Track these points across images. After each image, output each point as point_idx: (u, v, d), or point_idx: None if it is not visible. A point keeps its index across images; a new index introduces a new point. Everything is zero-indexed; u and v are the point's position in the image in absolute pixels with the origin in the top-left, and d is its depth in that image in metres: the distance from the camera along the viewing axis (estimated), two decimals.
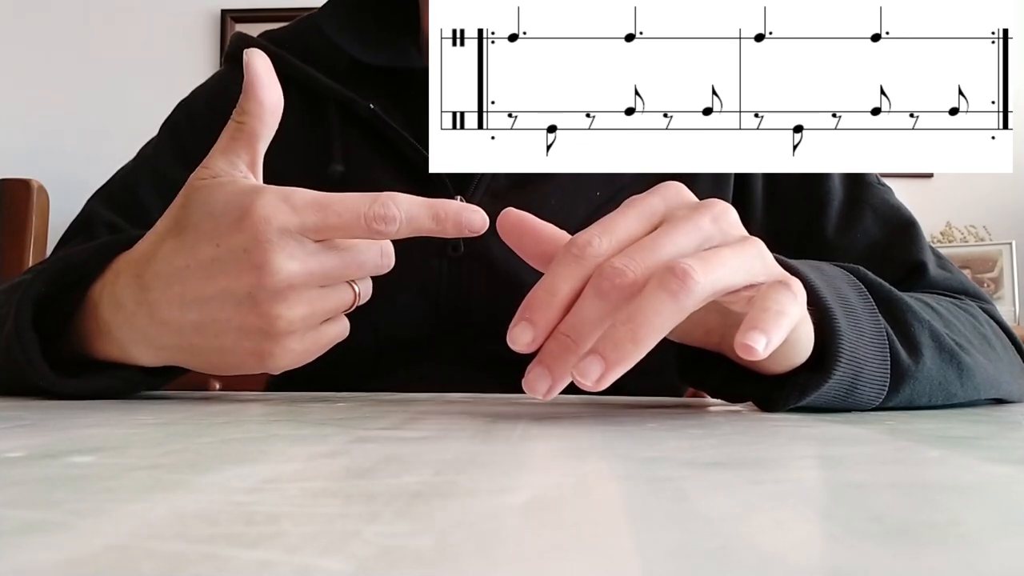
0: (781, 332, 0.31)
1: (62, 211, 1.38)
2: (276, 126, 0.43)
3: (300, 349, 0.42)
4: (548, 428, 0.31)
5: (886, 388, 0.40)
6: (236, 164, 0.41)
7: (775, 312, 0.31)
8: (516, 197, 0.62)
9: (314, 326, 0.42)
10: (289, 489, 0.18)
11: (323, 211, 0.39)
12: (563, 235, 0.36)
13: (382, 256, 0.43)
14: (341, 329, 0.44)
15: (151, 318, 0.41)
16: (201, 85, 0.74)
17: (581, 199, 0.62)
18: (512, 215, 0.37)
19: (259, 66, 0.42)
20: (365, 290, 0.44)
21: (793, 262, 0.39)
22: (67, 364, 0.45)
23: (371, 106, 0.63)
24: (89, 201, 0.67)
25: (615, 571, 0.12)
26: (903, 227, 0.61)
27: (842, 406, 0.40)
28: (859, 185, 0.62)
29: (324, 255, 0.40)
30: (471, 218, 0.40)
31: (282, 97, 0.43)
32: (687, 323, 0.38)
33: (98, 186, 0.69)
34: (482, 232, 0.41)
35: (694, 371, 0.44)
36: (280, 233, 0.39)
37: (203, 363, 0.43)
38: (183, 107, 0.72)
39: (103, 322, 0.43)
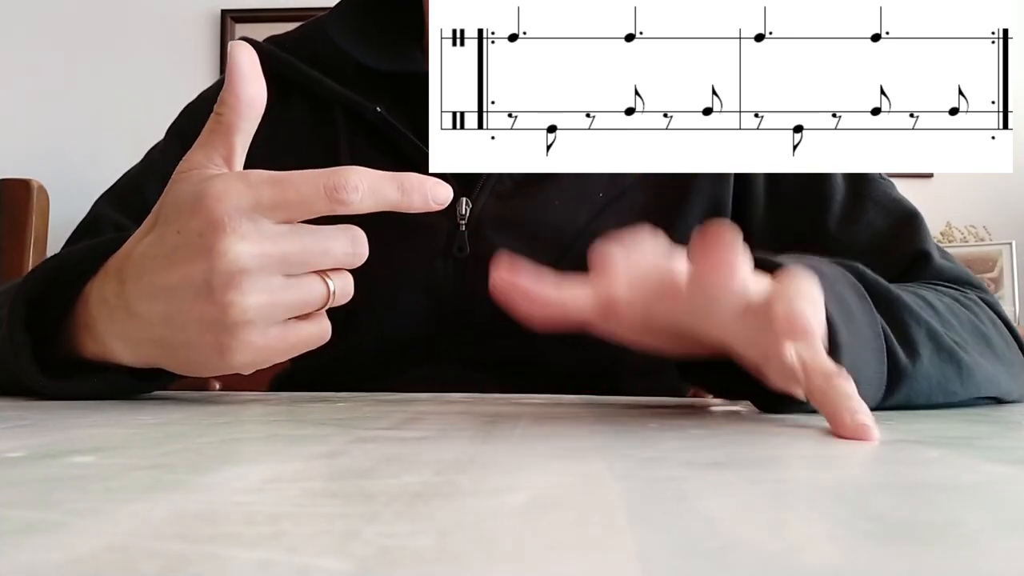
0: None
1: (62, 211, 1.38)
2: (257, 120, 0.41)
3: (261, 344, 0.39)
4: (548, 428, 0.31)
5: (883, 390, 0.40)
6: (212, 157, 0.40)
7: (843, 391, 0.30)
8: (520, 199, 0.62)
9: (278, 320, 0.39)
10: (289, 489, 0.18)
11: (279, 185, 0.37)
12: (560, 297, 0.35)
13: (354, 244, 0.40)
14: (318, 330, 0.42)
15: (127, 311, 0.41)
16: (207, 89, 0.74)
17: (584, 200, 0.62)
18: (502, 281, 0.36)
19: (241, 58, 0.41)
20: (342, 287, 0.41)
21: (791, 262, 0.39)
22: (62, 365, 0.45)
23: (377, 109, 0.64)
24: (96, 202, 0.67)
25: (615, 571, 0.12)
26: (906, 218, 0.61)
27: None
28: (861, 179, 0.63)
29: (283, 238, 0.38)
30: (436, 190, 0.39)
31: (264, 91, 0.41)
32: (682, 346, 0.38)
33: (98, 186, 0.69)
34: (447, 204, 0.40)
35: (693, 369, 0.44)
36: (233, 212, 0.37)
37: (174, 360, 0.41)
38: (189, 111, 0.72)
39: (91, 318, 0.43)
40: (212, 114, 0.41)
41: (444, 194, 0.39)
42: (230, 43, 0.42)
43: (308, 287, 0.40)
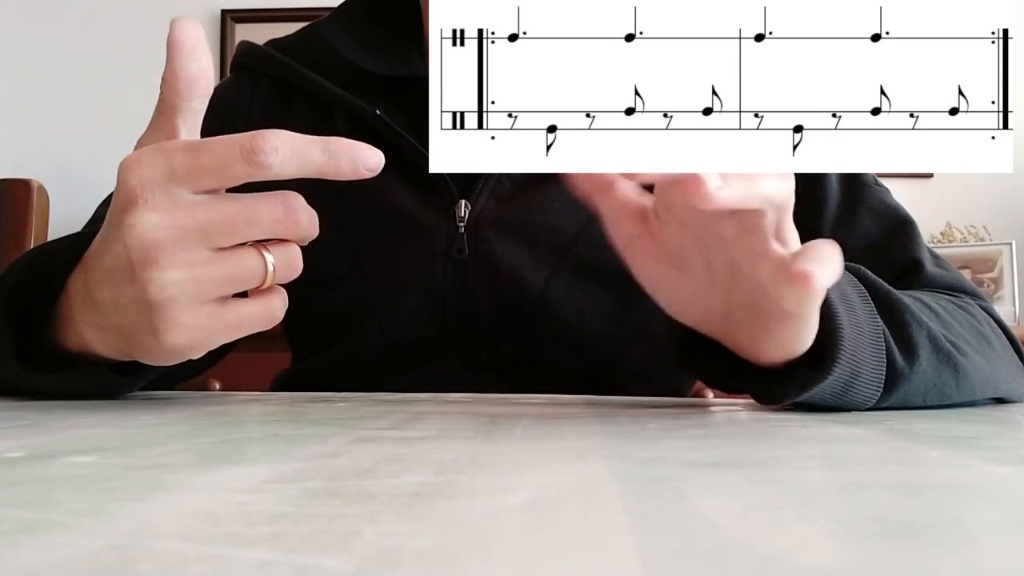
0: (832, 276, 0.32)
1: (62, 211, 1.38)
2: (204, 98, 0.39)
3: (192, 323, 0.37)
4: (548, 428, 0.31)
5: (880, 390, 0.40)
6: (158, 139, 0.38)
7: (827, 256, 0.32)
8: (519, 201, 0.63)
9: (209, 297, 0.37)
10: (289, 489, 0.18)
11: (194, 151, 0.35)
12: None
13: (285, 210, 0.37)
14: (263, 310, 0.38)
15: (90, 298, 0.40)
16: None
17: (583, 202, 0.62)
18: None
19: (181, 35, 0.38)
20: (284, 261, 0.38)
21: None
22: (46, 361, 0.44)
23: (377, 112, 0.64)
24: (100, 206, 0.67)
25: (615, 571, 0.12)
26: (900, 226, 0.61)
27: (836, 404, 0.40)
28: (856, 185, 0.62)
29: (200, 207, 0.36)
30: (365, 155, 0.37)
31: (210, 69, 0.39)
32: (687, 295, 0.38)
33: (99, 187, 0.69)
34: (378, 171, 0.38)
35: (693, 360, 0.44)
36: (146, 184, 0.35)
37: (132, 346, 0.40)
38: None
39: (69, 309, 0.43)
40: (159, 93, 0.39)
41: (374, 159, 0.37)
42: (172, 19, 0.39)
43: (239, 261, 0.37)
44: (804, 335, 0.38)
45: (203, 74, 0.39)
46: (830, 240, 0.34)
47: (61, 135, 2.30)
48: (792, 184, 0.34)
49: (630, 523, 0.15)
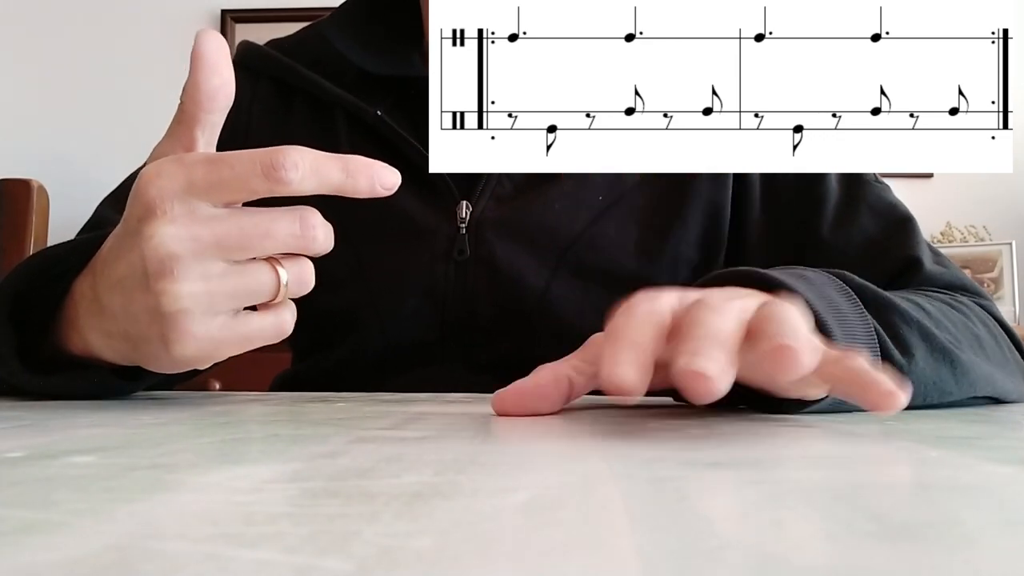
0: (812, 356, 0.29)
1: (62, 211, 1.38)
2: (223, 111, 0.40)
3: (203, 335, 0.37)
4: (548, 428, 0.31)
5: None
6: (175, 148, 0.39)
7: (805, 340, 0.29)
8: (520, 202, 0.63)
9: (222, 310, 0.37)
10: (289, 489, 0.18)
11: (214, 164, 0.36)
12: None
13: (301, 225, 0.37)
14: (273, 323, 0.39)
15: (98, 304, 0.40)
16: None
17: (584, 203, 0.62)
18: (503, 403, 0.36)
19: (206, 48, 0.38)
20: (297, 276, 0.39)
21: (778, 275, 0.38)
22: (48, 362, 0.44)
23: (378, 112, 0.64)
24: (99, 205, 0.67)
25: (615, 571, 0.12)
26: (899, 223, 0.61)
27: (838, 411, 0.39)
28: (856, 183, 0.62)
29: (218, 221, 0.36)
30: (382, 174, 0.38)
31: (231, 82, 0.39)
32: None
33: (98, 187, 0.69)
34: (394, 190, 0.38)
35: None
36: (166, 195, 0.35)
37: (140, 354, 0.40)
38: None
39: (75, 313, 0.43)
40: (179, 103, 0.40)
41: (391, 179, 0.38)
42: (197, 31, 0.39)
43: (253, 275, 0.37)
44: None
45: (224, 87, 0.39)
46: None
47: (61, 135, 2.30)
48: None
49: (630, 523, 0.15)
